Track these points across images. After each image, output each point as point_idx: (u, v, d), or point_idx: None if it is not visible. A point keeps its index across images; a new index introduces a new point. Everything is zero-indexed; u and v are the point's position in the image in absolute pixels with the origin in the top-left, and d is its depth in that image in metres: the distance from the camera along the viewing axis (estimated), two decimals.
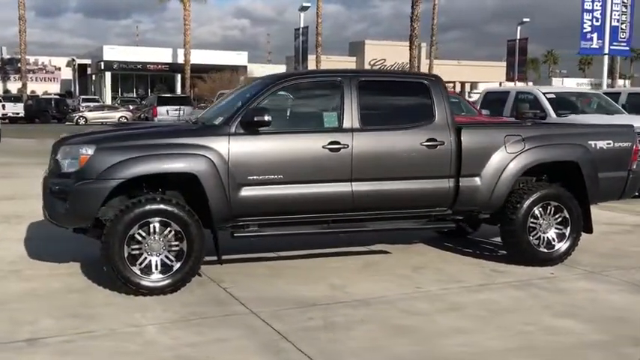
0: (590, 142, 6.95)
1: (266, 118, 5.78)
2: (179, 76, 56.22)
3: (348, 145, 6.14)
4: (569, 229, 6.88)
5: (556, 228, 6.88)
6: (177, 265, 5.74)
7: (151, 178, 5.81)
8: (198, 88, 47.11)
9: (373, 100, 6.38)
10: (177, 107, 29.21)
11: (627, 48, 20.14)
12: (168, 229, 5.71)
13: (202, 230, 5.78)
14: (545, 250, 6.83)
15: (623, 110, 13.44)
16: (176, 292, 5.75)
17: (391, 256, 7.27)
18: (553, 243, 6.86)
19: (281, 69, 63.83)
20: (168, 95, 35.08)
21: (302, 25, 34.08)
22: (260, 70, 56.26)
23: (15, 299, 5.57)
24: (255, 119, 5.81)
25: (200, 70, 53.25)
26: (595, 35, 19.03)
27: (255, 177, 5.92)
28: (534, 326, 5.01)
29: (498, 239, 8.11)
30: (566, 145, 6.88)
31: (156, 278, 5.69)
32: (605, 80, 20.00)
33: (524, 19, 39.49)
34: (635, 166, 7.22)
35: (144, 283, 5.65)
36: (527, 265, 6.77)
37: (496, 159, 6.60)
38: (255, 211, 6.02)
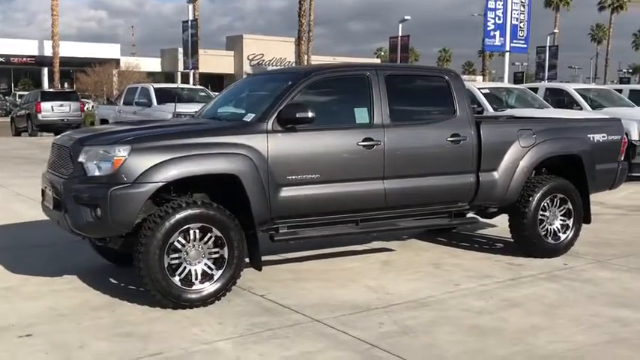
0: (589, 136, 7.18)
1: (309, 114, 5.46)
2: (46, 70, 52.94)
3: (380, 142, 5.94)
4: (572, 220, 7.07)
5: (560, 219, 7.06)
6: (217, 274, 5.31)
7: (181, 180, 5.32)
8: (80, 82, 44.47)
9: (399, 94, 6.20)
10: (62, 103, 27.36)
11: (525, 45, 21.25)
12: (209, 234, 5.26)
13: (243, 235, 5.38)
14: (552, 242, 6.98)
15: (549, 105, 14.11)
16: (217, 303, 5.32)
17: (398, 253, 7.15)
18: (558, 234, 7.03)
19: (156, 62, 62.02)
20: (53, 90, 32.71)
21: (191, 18, 33.01)
22: (144, 64, 54.17)
23: (42, 321, 4.91)
24: (298, 116, 5.47)
25: (70, 64, 50.42)
26: (497, 33, 19.90)
27: (293, 177, 5.59)
28: (602, 318, 5.07)
29: (484, 232, 8.29)
30: (571, 139, 7.06)
31: (197, 289, 5.23)
32: (507, 76, 21.02)
33: (406, 17, 40.64)
34: (622, 158, 7.56)
35: (185, 295, 5.17)
36: (536, 257, 6.89)
37: (511, 153, 6.65)
38: (292, 212, 5.69)
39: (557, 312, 5.22)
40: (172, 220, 5.06)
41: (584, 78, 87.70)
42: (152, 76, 51.67)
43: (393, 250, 7.29)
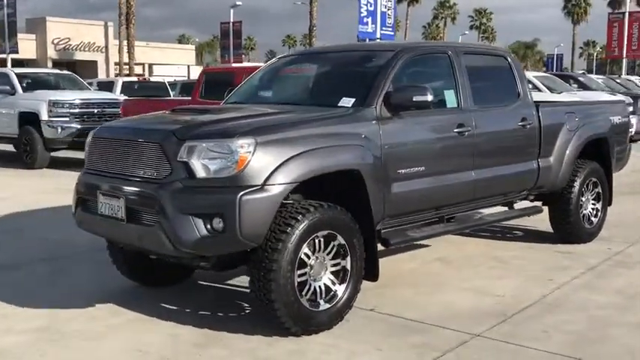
0: (610, 117, 7.12)
1: (429, 97, 4.72)
2: None
3: (470, 128, 5.36)
4: (600, 203, 6.99)
5: (592, 203, 6.95)
6: (341, 289, 4.42)
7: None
8: None
9: (475, 76, 5.61)
10: None
11: (392, 33, 21.46)
12: (332, 243, 4.36)
13: (362, 241, 4.53)
14: (588, 226, 6.84)
15: None
16: (339, 325, 4.43)
17: (441, 248, 6.58)
18: (591, 218, 6.92)
19: None
20: None
21: None
22: None
23: None
24: (415, 99, 4.69)
25: None
26: (370, 20, 19.88)
27: (403, 170, 4.82)
28: None
29: None
30: (601, 121, 6.96)
31: (324, 309, 4.32)
32: None
33: (237, 2, 39.67)
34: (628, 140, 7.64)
35: (315, 317, 4.25)
36: (575, 243, 6.70)
37: (562, 136, 6.36)
38: (401, 211, 4.94)
39: None
40: (302, 228, 4.11)
41: None
42: None
43: (427, 245, 6.72)
